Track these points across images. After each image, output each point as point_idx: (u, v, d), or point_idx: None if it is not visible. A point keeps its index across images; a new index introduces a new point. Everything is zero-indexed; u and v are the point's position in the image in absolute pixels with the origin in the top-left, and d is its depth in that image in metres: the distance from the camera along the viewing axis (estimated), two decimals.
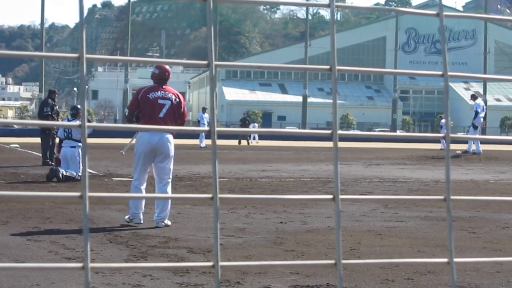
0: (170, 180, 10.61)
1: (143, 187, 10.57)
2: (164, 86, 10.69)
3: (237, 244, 8.89)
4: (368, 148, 40.81)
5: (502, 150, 36.47)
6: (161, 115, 10.46)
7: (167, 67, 10.82)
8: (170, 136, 10.52)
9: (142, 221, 10.39)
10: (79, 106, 18.69)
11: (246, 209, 12.14)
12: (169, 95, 10.62)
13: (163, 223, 10.28)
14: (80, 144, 17.57)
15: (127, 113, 10.98)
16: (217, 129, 1.62)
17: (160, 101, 10.50)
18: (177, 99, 10.64)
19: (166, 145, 10.43)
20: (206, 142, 40.31)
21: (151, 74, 10.99)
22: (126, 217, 10.51)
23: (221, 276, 1.49)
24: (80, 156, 17.37)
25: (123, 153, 12.68)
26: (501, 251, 8.75)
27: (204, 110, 42.90)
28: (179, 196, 1.70)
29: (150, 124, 10.03)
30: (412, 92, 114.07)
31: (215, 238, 1.58)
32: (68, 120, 17.95)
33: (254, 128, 43.11)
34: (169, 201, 10.42)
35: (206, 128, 1.64)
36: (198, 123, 42.02)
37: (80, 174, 17.20)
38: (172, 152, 10.50)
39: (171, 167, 10.60)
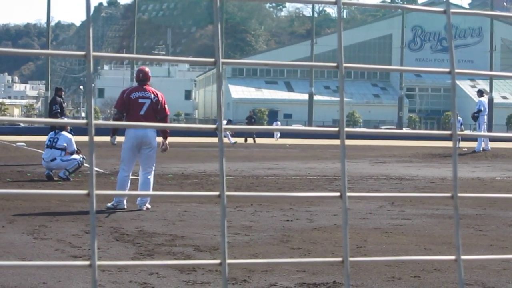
0: (152, 170, 12.01)
1: (130, 176, 12.05)
2: (145, 87, 12.07)
3: (244, 242, 8.89)
4: (375, 146, 40.79)
5: (508, 147, 36.40)
6: (142, 112, 11.87)
7: (146, 69, 12.27)
8: (152, 130, 11.88)
9: (126, 207, 11.72)
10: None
11: (253, 207, 12.14)
12: (149, 94, 11.98)
13: (145, 206, 11.71)
14: (61, 152, 17.03)
15: (115, 111, 12.31)
16: (224, 126, 1.62)
17: (140, 100, 11.92)
18: (156, 98, 11.99)
19: (149, 137, 11.81)
20: (212, 140, 40.31)
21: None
22: (110, 203, 11.71)
23: (228, 274, 1.49)
24: (66, 158, 16.97)
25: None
26: (508, 248, 8.74)
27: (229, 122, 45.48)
28: (186, 194, 1.69)
29: (133, 122, 11.39)
30: (418, 89, 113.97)
31: (222, 236, 1.58)
32: (55, 134, 17.50)
33: (277, 126, 43.41)
34: (151, 186, 11.98)
35: (213, 126, 1.64)
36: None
37: (81, 160, 17.03)
38: (155, 143, 11.94)
39: (154, 157, 12.01)
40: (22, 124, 60.09)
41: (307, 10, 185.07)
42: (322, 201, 12.92)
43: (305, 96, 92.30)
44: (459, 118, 41.06)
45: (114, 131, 12.80)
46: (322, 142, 46.20)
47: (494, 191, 15.98)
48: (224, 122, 42.56)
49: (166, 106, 12.18)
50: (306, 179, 18.29)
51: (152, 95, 11.99)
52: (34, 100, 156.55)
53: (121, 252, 8.11)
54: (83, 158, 17.10)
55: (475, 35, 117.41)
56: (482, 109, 29.54)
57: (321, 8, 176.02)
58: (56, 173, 17.10)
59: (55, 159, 16.89)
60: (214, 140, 37.71)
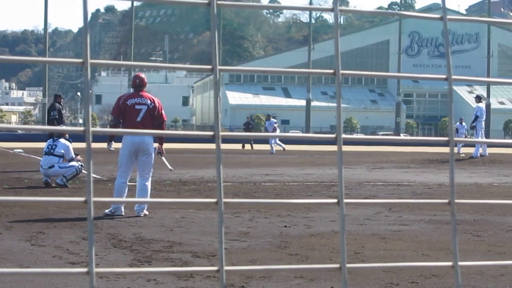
0: (149, 176, 12.00)
1: (127, 182, 11.96)
2: (141, 93, 12.05)
3: (241, 248, 8.88)
4: (372, 152, 40.78)
5: (506, 153, 36.42)
6: (139, 119, 11.85)
7: (142, 75, 12.22)
8: (149, 136, 11.83)
9: (123, 213, 11.71)
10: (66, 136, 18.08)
11: (250, 213, 12.13)
12: (145, 100, 11.97)
13: (142, 213, 11.72)
14: (59, 159, 17.05)
15: (112, 118, 12.30)
16: (221, 133, 1.62)
17: (137, 106, 11.89)
18: (153, 104, 11.97)
19: (147, 143, 11.80)
20: (210, 146, 40.22)
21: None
22: (107, 210, 11.69)
23: (225, 280, 1.49)
24: (64, 165, 16.99)
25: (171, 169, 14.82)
26: (506, 254, 8.74)
27: (269, 117, 46.76)
28: (183, 201, 1.69)
29: (130, 128, 11.58)
30: (416, 95, 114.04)
31: (219, 242, 1.58)
32: (53, 141, 17.49)
33: (272, 125, 44.14)
34: (149, 192, 11.94)
35: (210, 132, 1.64)
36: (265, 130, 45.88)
37: (79, 167, 17.04)
38: (152, 150, 11.92)
39: (152, 163, 11.98)
40: (19, 131, 60.05)
41: (304, 16, 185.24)
42: (320, 207, 12.92)
43: (303, 102, 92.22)
44: (464, 124, 40.63)
45: (111, 138, 12.84)
46: (319, 148, 46.18)
47: (491, 196, 15.98)
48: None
49: (163, 111, 12.18)
50: (303, 185, 18.29)
51: (149, 101, 11.99)
52: (32, 107, 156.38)
53: (118, 259, 8.11)
54: (81, 165, 17.10)
55: (472, 40, 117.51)
56: (479, 115, 29.68)
57: (318, 14, 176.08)
58: (53, 179, 17.10)
59: (53, 166, 16.90)
60: (212, 146, 37.47)
